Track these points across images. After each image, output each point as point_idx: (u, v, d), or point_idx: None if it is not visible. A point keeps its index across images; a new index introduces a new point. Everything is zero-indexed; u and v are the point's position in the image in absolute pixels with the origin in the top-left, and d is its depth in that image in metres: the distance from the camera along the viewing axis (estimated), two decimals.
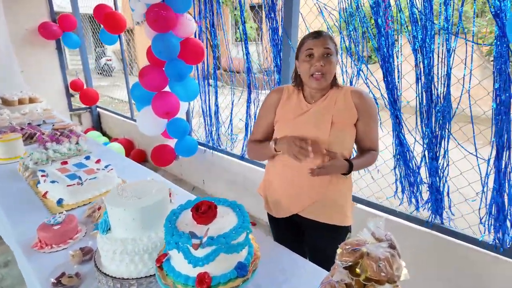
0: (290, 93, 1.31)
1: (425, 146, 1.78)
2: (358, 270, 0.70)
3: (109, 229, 1.06)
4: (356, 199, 2.18)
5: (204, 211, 0.80)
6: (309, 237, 1.37)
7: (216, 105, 3.13)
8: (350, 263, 0.71)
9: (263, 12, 2.25)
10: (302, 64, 1.21)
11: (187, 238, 0.74)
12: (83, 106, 4.98)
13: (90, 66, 5.23)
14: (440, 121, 1.70)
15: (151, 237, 1.02)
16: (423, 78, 1.70)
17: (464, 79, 1.60)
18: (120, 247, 0.99)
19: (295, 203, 1.30)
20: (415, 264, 1.98)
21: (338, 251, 0.74)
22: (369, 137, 1.26)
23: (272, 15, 2.16)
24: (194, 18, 2.86)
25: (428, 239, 1.88)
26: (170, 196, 1.46)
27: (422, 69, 1.70)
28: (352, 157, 1.30)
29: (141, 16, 2.32)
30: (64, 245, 1.22)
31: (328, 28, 1.99)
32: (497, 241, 1.63)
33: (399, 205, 2.03)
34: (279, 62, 2.34)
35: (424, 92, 1.72)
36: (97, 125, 5.27)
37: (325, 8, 1.98)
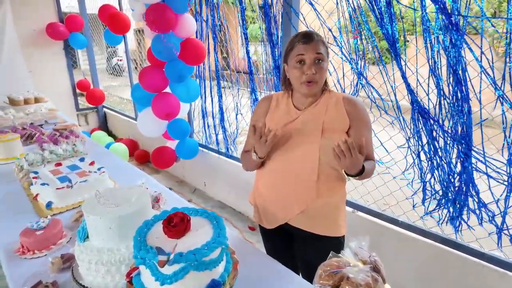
0: (279, 100, 1.26)
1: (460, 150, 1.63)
2: None
3: (87, 237, 1.02)
4: (356, 206, 2.09)
5: (176, 223, 0.75)
6: (298, 248, 1.31)
7: (220, 107, 3.06)
8: (329, 287, 0.64)
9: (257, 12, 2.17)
10: (292, 71, 1.14)
11: (154, 254, 0.69)
12: (90, 106, 5.02)
13: (102, 66, 5.28)
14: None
15: (129, 247, 0.97)
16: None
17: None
18: (96, 257, 0.94)
19: (283, 212, 1.24)
20: (418, 277, 1.88)
21: (318, 272, 0.68)
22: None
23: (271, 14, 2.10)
24: (198, 17, 2.82)
25: (432, 251, 1.78)
26: (158, 201, 1.42)
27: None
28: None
29: (140, 17, 2.29)
30: (46, 251, 1.18)
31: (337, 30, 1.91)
32: None
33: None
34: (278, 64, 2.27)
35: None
36: (104, 125, 5.31)
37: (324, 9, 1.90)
